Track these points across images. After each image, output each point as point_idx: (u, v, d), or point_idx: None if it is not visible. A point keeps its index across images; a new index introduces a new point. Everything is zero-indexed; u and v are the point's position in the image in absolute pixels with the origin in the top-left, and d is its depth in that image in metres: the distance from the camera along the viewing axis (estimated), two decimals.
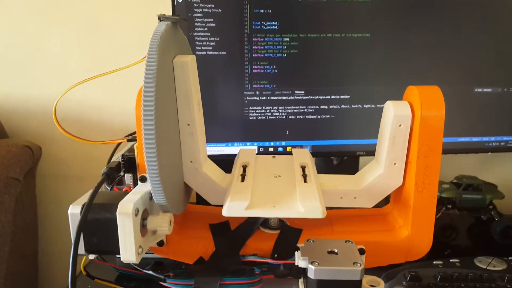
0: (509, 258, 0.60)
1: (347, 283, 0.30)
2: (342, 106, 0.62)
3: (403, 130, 0.35)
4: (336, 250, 0.32)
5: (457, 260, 0.60)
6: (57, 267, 0.90)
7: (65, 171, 0.87)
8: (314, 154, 0.65)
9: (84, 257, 0.41)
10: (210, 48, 0.57)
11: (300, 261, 0.31)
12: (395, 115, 0.35)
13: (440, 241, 0.72)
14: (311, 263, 0.30)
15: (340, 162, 0.71)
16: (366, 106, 0.63)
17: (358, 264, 0.30)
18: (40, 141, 0.82)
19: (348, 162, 0.70)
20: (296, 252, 0.32)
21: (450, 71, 0.64)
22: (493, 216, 0.73)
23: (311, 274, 0.30)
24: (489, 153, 0.70)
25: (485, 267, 0.58)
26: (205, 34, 0.57)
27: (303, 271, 0.31)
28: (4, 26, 0.79)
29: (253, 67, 0.59)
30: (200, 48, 0.57)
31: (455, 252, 0.65)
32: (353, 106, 0.63)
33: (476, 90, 0.65)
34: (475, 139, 0.68)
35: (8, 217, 0.68)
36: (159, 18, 0.31)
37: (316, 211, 0.32)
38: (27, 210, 0.78)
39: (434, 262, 0.59)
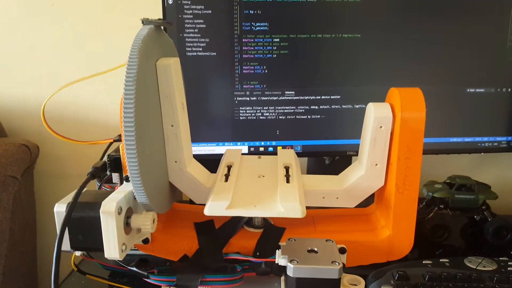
0: (500, 258, 0.60)
1: (325, 281, 0.31)
2: (333, 106, 0.63)
3: (383, 131, 0.35)
4: (316, 249, 0.33)
5: (447, 260, 0.60)
6: None
7: (63, 169, 0.88)
8: (304, 154, 0.65)
9: (74, 254, 0.42)
10: (201, 49, 0.58)
11: (280, 259, 0.32)
12: (375, 117, 0.35)
13: (432, 241, 0.72)
14: (290, 261, 0.31)
15: (332, 162, 0.71)
16: (357, 106, 0.63)
17: (337, 263, 0.31)
18: (38, 140, 0.83)
19: (340, 162, 0.70)
20: (277, 251, 0.33)
21: (442, 72, 0.64)
22: (486, 217, 0.73)
23: (290, 272, 0.31)
24: (482, 153, 0.70)
25: (474, 267, 0.58)
26: (195, 35, 0.57)
27: (283, 269, 0.32)
28: (1, 29, 0.80)
29: (243, 67, 0.60)
30: (190, 49, 0.58)
31: (447, 252, 0.65)
32: (343, 106, 0.63)
33: (468, 90, 0.65)
34: (467, 139, 0.68)
35: (6, 215, 0.69)
36: (142, 22, 0.32)
37: (295, 210, 0.32)
38: (25, 208, 0.79)
39: (423, 262, 0.59)
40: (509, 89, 0.66)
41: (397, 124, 0.34)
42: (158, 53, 0.34)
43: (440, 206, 0.73)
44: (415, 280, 0.54)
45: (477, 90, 0.65)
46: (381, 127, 0.35)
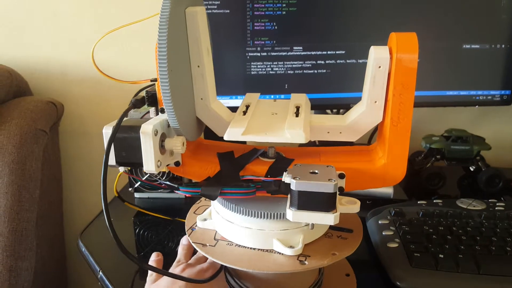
0: (490, 200, 0.66)
1: (322, 195, 0.36)
2: (338, 61, 0.68)
3: (382, 71, 0.40)
4: (317, 171, 0.38)
5: (440, 201, 0.65)
6: (79, 214, 1.00)
7: (85, 128, 0.94)
8: (311, 107, 0.70)
9: (116, 181, 0.48)
10: (215, 6, 0.63)
11: (285, 177, 0.37)
12: (375, 58, 0.40)
13: (428, 189, 0.78)
14: (294, 178, 0.36)
15: (336, 114, 0.77)
16: (360, 61, 0.68)
17: (333, 180, 0.36)
18: (61, 100, 0.89)
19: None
20: (284, 172, 0.38)
21: (440, 28, 0.68)
22: (480, 167, 0.78)
23: (293, 187, 0.36)
24: (477, 106, 0.75)
25: (465, 206, 0.63)
26: None
27: (289, 186, 0.37)
28: None
29: (255, 24, 0.64)
30: (206, 6, 0.62)
31: (442, 198, 0.70)
32: (348, 61, 0.68)
33: (464, 46, 0.70)
34: (463, 92, 0.73)
35: (38, 165, 0.76)
36: None
37: (300, 136, 0.38)
38: (52, 161, 0.86)
39: (419, 202, 0.65)
40: (503, 45, 0.70)
41: (393, 64, 0.39)
42: (187, 3, 0.39)
43: (437, 156, 0.79)
44: (410, 216, 0.60)
45: (473, 46, 0.70)
46: (379, 67, 0.40)
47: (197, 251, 0.42)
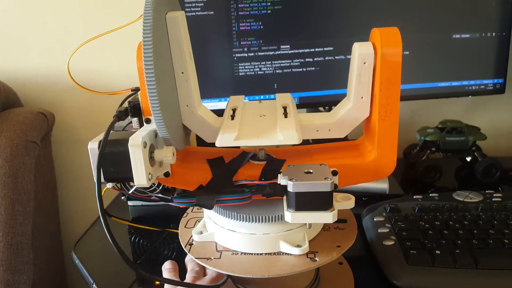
0: (486, 191, 0.65)
1: (320, 194, 0.36)
2: (326, 58, 0.67)
3: (367, 67, 0.40)
4: (311, 171, 0.38)
5: (436, 195, 0.65)
6: (77, 223, 0.99)
7: (78, 136, 0.94)
8: (302, 105, 0.70)
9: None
10: (199, 8, 0.62)
11: (281, 180, 0.37)
12: (359, 54, 0.40)
13: (425, 182, 0.78)
14: (290, 179, 0.36)
15: (328, 111, 0.76)
16: (349, 56, 0.67)
17: (329, 179, 0.36)
18: (52, 110, 0.89)
19: None
20: (279, 174, 0.38)
21: (428, 19, 0.67)
22: (476, 157, 0.78)
23: (290, 188, 0.36)
24: (470, 96, 0.74)
25: (462, 199, 0.63)
26: None
27: (285, 188, 0.37)
28: (13, 4, 0.84)
29: (240, 24, 0.63)
30: (189, 9, 0.62)
31: (439, 191, 0.70)
32: (336, 57, 0.67)
33: (454, 36, 0.69)
34: (455, 83, 0.72)
35: (30, 177, 0.75)
36: None
37: (292, 137, 0.37)
38: (46, 172, 0.85)
39: (414, 197, 0.65)
40: (494, 33, 0.69)
41: (378, 59, 0.39)
42: (166, 8, 0.38)
43: (432, 149, 0.78)
44: (406, 211, 0.59)
45: (463, 35, 0.69)
46: (364, 63, 0.39)
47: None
